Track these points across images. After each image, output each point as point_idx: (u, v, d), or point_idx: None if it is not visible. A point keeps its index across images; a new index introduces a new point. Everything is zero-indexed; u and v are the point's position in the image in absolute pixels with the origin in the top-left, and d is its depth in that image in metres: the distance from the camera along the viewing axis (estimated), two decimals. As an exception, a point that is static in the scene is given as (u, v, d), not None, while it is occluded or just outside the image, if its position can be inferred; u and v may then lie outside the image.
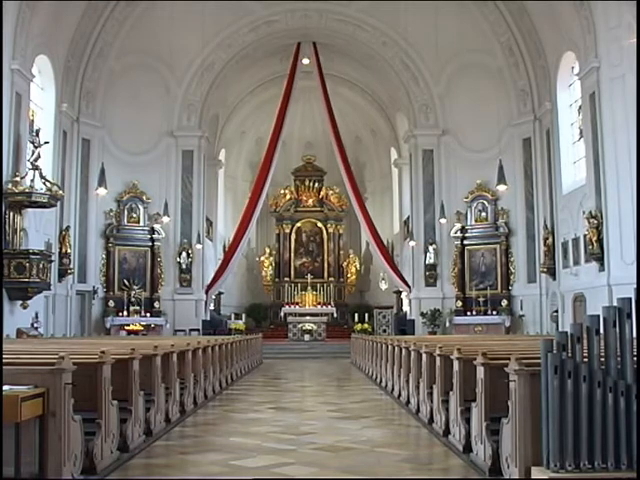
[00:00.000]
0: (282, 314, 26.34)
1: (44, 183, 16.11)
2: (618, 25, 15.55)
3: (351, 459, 5.79)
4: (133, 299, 21.35)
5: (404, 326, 22.94)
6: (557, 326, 18.84)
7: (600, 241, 16.05)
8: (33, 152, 16.27)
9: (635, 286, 12.72)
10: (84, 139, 20.82)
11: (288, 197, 29.82)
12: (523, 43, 20.66)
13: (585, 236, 16.92)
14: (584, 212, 16.94)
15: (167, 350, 7.95)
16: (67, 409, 4.64)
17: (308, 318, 24.30)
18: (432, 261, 22.45)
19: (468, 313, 21.88)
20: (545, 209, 20.53)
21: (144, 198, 22.19)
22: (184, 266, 22.27)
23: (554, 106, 19.67)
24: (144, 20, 21.11)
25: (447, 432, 6.78)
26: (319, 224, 30.01)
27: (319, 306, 27.34)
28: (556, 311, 19.32)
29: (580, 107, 18.24)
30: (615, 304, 4.22)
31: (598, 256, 16.12)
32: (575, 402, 4.06)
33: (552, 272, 19.78)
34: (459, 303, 22.06)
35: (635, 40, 14.39)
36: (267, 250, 29.69)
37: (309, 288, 28.20)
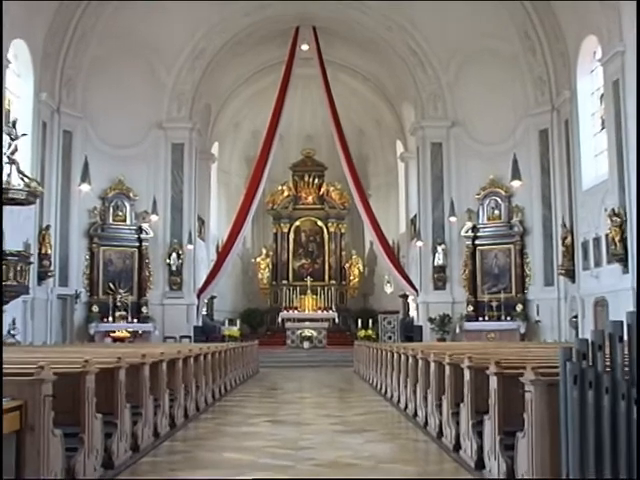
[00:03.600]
0: (280, 320, 26.33)
1: (22, 178, 16.05)
2: (645, 5, 15.50)
3: (354, 476, 5.77)
4: (119, 304, 21.34)
5: (411, 332, 22.93)
6: (577, 333, 18.83)
7: (623, 241, 16.03)
8: (10, 145, 16.24)
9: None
10: (65, 131, 20.80)
11: (286, 194, 29.81)
12: (540, 26, 20.59)
13: (607, 235, 16.90)
14: (606, 209, 16.92)
15: (156, 359, 7.95)
16: (47, 423, 4.62)
17: (308, 324, 24.29)
18: (441, 262, 22.44)
19: (480, 318, 21.87)
20: (563, 206, 20.51)
21: (131, 195, 22.18)
22: (174, 268, 22.26)
23: (574, 95, 19.64)
24: (129, 2, 21.06)
25: (458, 447, 6.77)
26: (319, 223, 30.00)
27: (319, 311, 27.34)
28: (575, 316, 19.30)
29: (602, 95, 18.21)
30: (640, 308, 4.21)
31: (621, 257, 16.10)
32: (597, 415, 4.04)
33: (571, 274, 19.76)
34: (470, 308, 22.05)
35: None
36: (263, 251, 29.69)
37: (309, 292, 28.19)
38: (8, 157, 16.21)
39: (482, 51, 22.00)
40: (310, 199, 30.02)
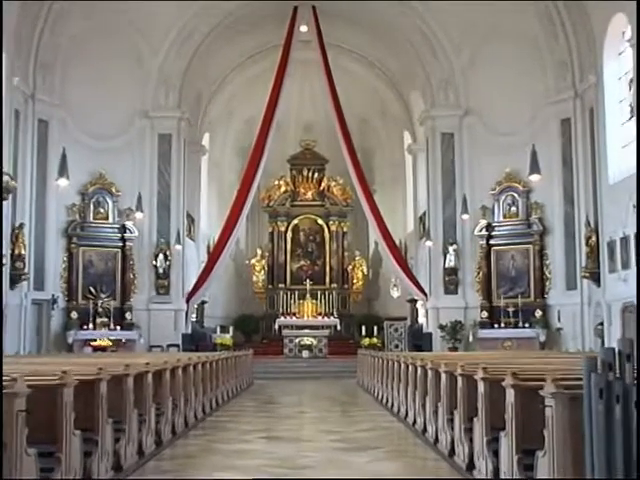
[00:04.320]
0: (276, 327, 26.32)
1: (-6, 172, 16.08)
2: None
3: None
4: (100, 309, 21.33)
5: (419, 341, 22.94)
6: (602, 341, 18.81)
7: (654, 240, 15.99)
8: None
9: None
10: (41, 120, 20.75)
11: (283, 189, 29.81)
12: (563, 4, 20.55)
13: (636, 234, 16.85)
14: (634, 206, 16.88)
15: (140, 370, 7.94)
16: (20, 441, 4.61)
17: (307, 331, 24.30)
18: (452, 264, 22.43)
19: (495, 325, 21.86)
20: (587, 202, 20.48)
21: (113, 190, 22.17)
22: (161, 270, 22.25)
23: (599, 79, 19.56)
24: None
25: (471, 466, 6.76)
26: (320, 221, 30.00)
27: (320, 317, 27.35)
28: (601, 324, 19.27)
29: (631, 80, 18.15)
30: (672, 315, 4.19)
31: (651, 258, 16.06)
32: (625, 432, 4.02)
33: (596, 277, 19.72)
34: (485, 314, 22.04)
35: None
36: (259, 252, 29.68)
37: (308, 296, 28.20)
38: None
39: (499, 32, 21.92)
40: (309, 195, 30.01)
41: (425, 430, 9.24)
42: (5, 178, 16.21)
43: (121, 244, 22.21)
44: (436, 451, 8.10)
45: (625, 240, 17.98)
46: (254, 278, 29.51)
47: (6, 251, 18.42)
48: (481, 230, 22.40)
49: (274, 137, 24.17)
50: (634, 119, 17.79)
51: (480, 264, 22.42)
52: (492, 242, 22.48)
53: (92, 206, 22.03)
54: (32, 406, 4.81)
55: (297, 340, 23.59)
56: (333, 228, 29.89)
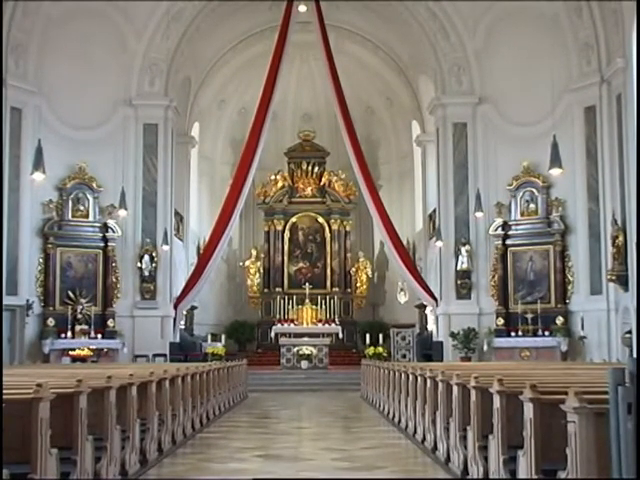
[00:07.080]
0: (273, 335, 26.36)
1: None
2: None
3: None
4: (80, 316, 21.32)
5: (429, 350, 22.96)
6: (630, 351, 18.80)
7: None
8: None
9: None
10: (13, 108, 20.70)
11: (280, 184, 29.85)
12: (587, -20, 20.57)
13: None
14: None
15: (124, 382, 7.94)
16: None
17: (306, 340, 24.32)
18: (465, 266, 22.42)
19: (512, 334, 21.86)
20: (614, 199, 20.44)
21: (94, 186, 22.17)
22: (146, 273, 22.25)
23: (628, 63, 19.48)
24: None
25: (486, 488, 6.76)
26: (320, 219, 30.03)
27: (320, 324, 27.37)
28: (629, 332, 19.25)
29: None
30: None
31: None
32: (655, 450, 4.01)
33: (623, 281, 19.68)
34: (500, 321, 22.04)
35: None
36: (253, 253, 29.73)
37: (307, 301, 28.25)
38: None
39: (516, 11, 21.89)
40: (309, 191, 30.03)
41: (435, 448, 9.25)
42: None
43: (103, 244, 22.19)
44: (447, 471, 8.11)
45: (655, 240, 17.93)
46: (248, 282, 29.55)
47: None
48: (496, 229, 22.39)
49: (270, 127, 24.18)
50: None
51: (495, 266, 22.40)
52: (509, 242, 22.47)
53: (71, 203, 22.00)
54: (4, 422, 4.80)
55: (295, 349, 23.60)
56: (335, 227, 29.90)
